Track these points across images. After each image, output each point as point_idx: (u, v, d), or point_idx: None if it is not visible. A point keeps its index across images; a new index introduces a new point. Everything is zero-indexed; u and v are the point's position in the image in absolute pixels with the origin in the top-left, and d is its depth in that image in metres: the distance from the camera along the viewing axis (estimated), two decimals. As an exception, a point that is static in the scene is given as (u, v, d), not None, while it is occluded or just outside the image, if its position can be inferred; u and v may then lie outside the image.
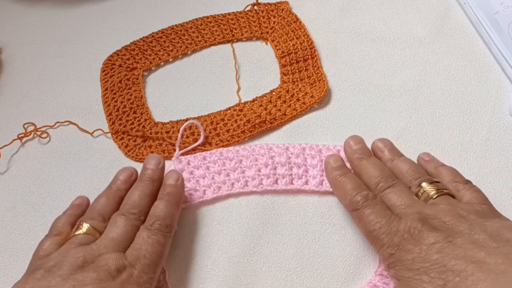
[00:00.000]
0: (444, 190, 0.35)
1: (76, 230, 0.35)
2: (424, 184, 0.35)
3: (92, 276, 0.31)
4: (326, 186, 0.40)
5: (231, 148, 0.43)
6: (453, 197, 0.35)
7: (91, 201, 0.39)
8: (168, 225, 0.35)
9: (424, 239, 0.31)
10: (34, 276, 0.31)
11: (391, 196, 0.35)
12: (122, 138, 0.45)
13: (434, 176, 0.37)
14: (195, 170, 0.42)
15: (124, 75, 0.49)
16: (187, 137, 0.44)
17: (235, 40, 0.52)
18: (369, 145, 0.41)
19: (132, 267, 0.32)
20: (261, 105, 0.46)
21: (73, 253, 0.32)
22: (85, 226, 0.35)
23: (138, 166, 0.43)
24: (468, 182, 0.36)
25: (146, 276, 0.32)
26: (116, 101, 0.48)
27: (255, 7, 0.54)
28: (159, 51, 0.51)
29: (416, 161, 0.40)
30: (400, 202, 0.34)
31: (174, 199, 0.37)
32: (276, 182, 0.41)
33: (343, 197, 0.37)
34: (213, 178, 0.41)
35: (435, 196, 0.34)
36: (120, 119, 0.46)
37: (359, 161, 0.38)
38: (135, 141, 0.45)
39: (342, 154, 0.42)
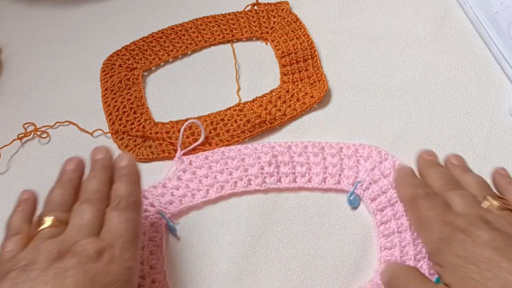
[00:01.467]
0: (509, 207, 0.33)
1: (39, 226, 0.32)
2: (489, 197, 0.34)
3: (73, 261, 0.29)
4: (329, 183, 0.40)
5: (233, 147, 0.43)
6: None
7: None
8: (135, 202, 0.34)
9: (481, 235, 0.30)
10: (8, 278, 0.28)
11: (454, 197, 0.33)
12: (122, 138, 0.45)
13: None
14: (198, 170, 0.42)
15: (124, 75, 0.49)
16: (187, 137, 0.44)
17: (235, 40, 0.52)
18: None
19: (112, 247, 0.30)
20: (261, 105, 0.46)
21: (45, 247, 0.30)
22: (49, 220, 0.32)
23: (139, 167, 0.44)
24: None
25: (128, 253, 0.31)
26: (116, 101, 0.47)
27: (255, 7, 0.54)
28: (159, 51, 0.51)
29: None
30: (463, 203, 0.33)
31: (132, 177, 0.35)
32: (279, 180, 0.41)
33: (406, 190, 0.36)
34: (215, 178, 0.41)
35: (499, 209, 0.33)
36: (120, 119, 0.46)
37: (429, 169, 0.37)
38: (135, 141, 0.45)
39: (345, 150, 0.42)
